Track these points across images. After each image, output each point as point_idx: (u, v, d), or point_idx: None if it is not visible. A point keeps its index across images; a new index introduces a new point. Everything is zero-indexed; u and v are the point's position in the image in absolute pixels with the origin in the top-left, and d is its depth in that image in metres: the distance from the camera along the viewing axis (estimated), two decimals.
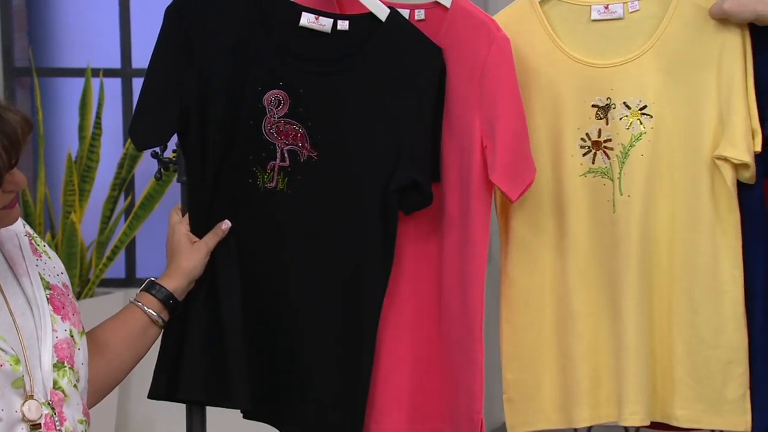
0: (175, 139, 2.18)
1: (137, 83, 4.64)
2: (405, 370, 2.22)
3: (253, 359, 2.16)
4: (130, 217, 4.35)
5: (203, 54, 2.13)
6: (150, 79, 2.15)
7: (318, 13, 2.18)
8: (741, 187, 2.18)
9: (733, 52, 2.16)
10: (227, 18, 2.14)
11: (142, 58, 4.69)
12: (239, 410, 2.21)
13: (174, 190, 4.17)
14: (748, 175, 2.16)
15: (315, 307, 2.17)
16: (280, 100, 2.15)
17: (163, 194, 4.29)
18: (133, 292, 2.13)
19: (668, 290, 2.21)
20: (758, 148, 2.15)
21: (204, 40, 2.13)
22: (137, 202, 4.34)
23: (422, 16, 2.25)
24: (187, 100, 2.13)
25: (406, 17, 2.21)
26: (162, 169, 2.28)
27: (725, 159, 2.16)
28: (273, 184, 2.16)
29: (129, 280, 4.69)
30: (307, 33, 2.17)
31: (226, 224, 2.15)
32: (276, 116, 2.15)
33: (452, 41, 2.19)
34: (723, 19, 2.15)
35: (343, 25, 2.17)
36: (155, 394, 2.17)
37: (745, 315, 2.17)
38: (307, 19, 2.17)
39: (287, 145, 2.15)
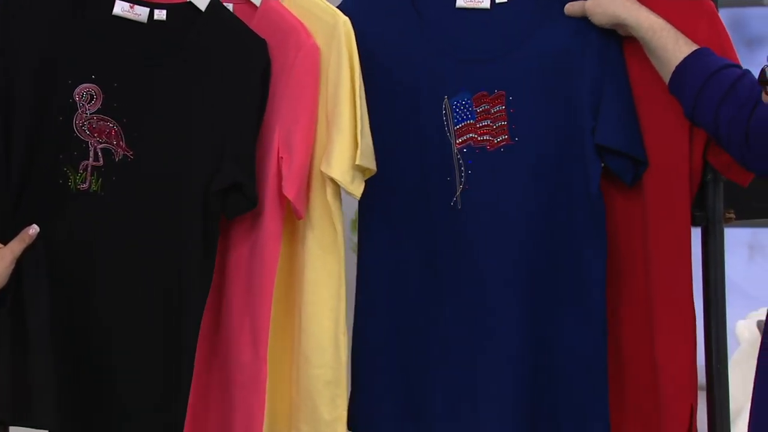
0: None
1: None
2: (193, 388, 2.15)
3: (62, 374, 2.08)
4: None
5: (7, 44, 2.06)
6: None
7: (133, 1, 2.12)
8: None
9: (339, 63, 2.10)
10: (35, 6, 2.08)
11: None
12: (45, 430, 2.12)
13: None
14: (331, 192, 2.13)
15: (130, 318, 2.11)
16: (92, 95, 2.09)
17: None
18: None
19: (283, 307, 2.18)
20: (358, 161, 2.09)
21: (8, 30, 2.07)
22: None
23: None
24: None
25: None
26: None
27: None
28: (86, 186, 2.09)
29: None
30: (122, 23, 2.12)
31: (34, 229, 2.07)
32: (88, 112, 2.09)
33: None
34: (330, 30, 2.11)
35: (160, 14, 2.14)
36: None
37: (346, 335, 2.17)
38: (120, 8, 2.13)
39: (101, 143, 2.09)
